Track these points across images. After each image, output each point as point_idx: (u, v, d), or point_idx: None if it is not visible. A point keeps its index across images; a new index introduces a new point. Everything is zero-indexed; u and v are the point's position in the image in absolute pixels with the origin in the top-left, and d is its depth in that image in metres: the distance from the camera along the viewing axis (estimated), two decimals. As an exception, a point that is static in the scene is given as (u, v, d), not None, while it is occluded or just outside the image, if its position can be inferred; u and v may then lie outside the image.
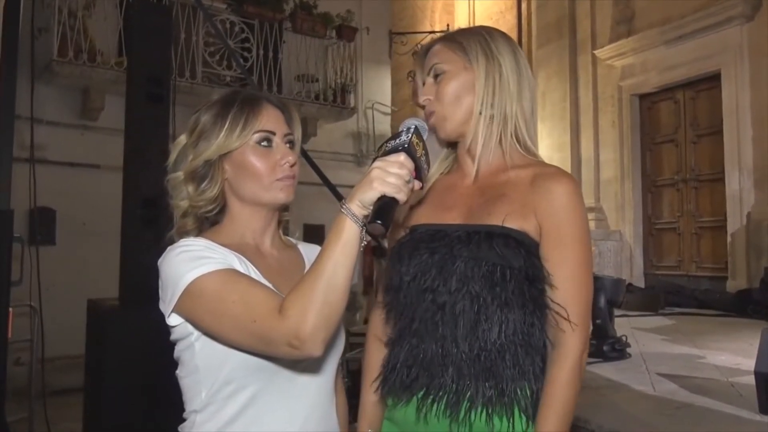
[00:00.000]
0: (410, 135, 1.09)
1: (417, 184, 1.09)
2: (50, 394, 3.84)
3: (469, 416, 1.19)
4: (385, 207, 1.03)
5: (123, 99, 3.47)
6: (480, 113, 1.31)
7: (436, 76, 1.34)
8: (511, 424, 1.19)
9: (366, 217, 1.03)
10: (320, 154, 7.71)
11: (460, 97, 1.31)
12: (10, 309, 2.90)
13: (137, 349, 2.94)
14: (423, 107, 1.35)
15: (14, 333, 4.68)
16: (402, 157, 1.06)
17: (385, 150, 1.09)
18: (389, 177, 1.03)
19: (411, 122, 1.15)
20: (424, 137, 1.14)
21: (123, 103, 3.44)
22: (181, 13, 7.06)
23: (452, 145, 1.41)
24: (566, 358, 1.20)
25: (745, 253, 7.25)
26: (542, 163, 1.33)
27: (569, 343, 1.21)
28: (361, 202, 1.03)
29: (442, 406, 1.21)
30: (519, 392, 1.20)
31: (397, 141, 1.09)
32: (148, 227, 3.16)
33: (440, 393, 1.22)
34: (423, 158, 1.10)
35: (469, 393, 1.20)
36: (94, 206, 6.35)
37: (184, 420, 1.21)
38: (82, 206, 6.63)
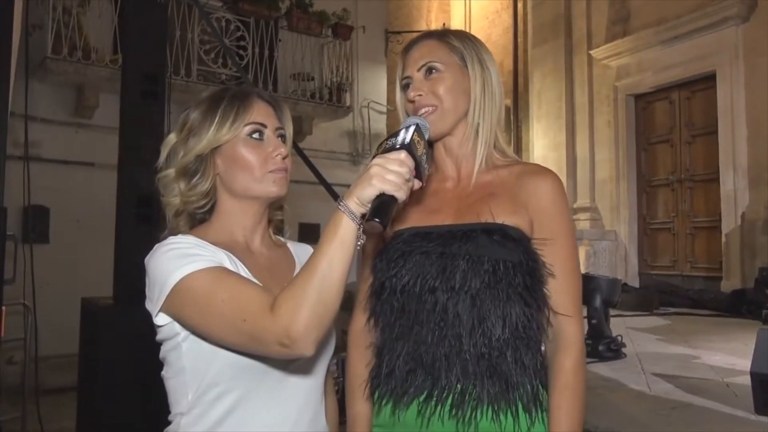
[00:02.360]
0: (411, 133, 1.08)
1: (417, 183, 1.07)
2: (43, 393, 3.83)
3: (475, 416, 1.19)
4: (383, 205, 1.01)
5: (118, 97, 3.46)
6: (472, 119, 1.34)
7: (429, 71, 1.33)
8: (516, 422, 1.20)
9: (364, 215, 1.01)
10: (315, 152, 7.69)
11: (455, 98, 1.32)
12: (3, 307, 2.88)
13: (131, 348, 2.91)
14: (412, 102, 1.33)
15: (7, 332, 4.65)
16: (402, 154, 1.04)
17: (385, 147, 1.07)
18: (389, 174, 1.01)
19: (412, 120, 1.13)
20: (426, 136, 1.13)
21: (118, 100, 3.42)
22: (176, 11, 7.02)
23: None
24: (571, 346, 1.24)
25: (740, 253, 7.27)
26: (522, 162, 1.40)
27: (571, 331, 1.25)
28: (359, 199, 1.01)
29: (447, 408, 1.21)
30: (521, 389, 1.21)
31: (398, 138, 1.07)
32: (143, 225, 3.14)
33: (444, 394, 1.21)
34: (424, 157, 1.08)
35: (474, 392, 1.20)
36: (88, 204, 6.33)
37: (169, 422, 1.19)
38: (76, 204, 6.60)
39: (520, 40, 10.90)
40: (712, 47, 7.70)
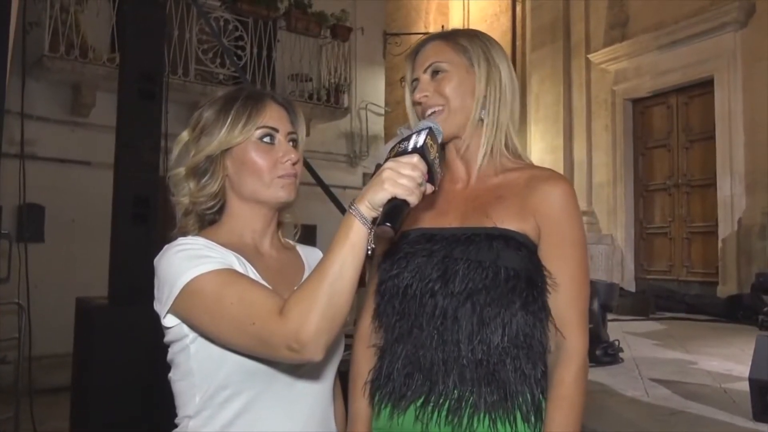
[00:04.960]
0: (424, 137, 1.06)
1: (429, 188, 1.05)
2: (37, 393, 3.79)
3: (472, 423, 1.17)
4: (395, 209, 0.99)
5: (114, 95, 3.43)
6: (479, 118, 1.31)
7: (434, 73, 1.31)
8: (514, 431, 1.18)
9: (375, 219, 1.00)
10: (313, 153, 7.68)
11: (462, 98, 1.30)
12: (-3, 306, 2.86)
13: (126, 348, 2.91)
14: (419, 104, 1.31)
15: (1, 331, 4.63)
16: (415, 158, 1.02)
17: (397, 150, 1.05)
18: (401, 178, 0.99)
19: (425, 123, 1.11)
20: (439, 139, 1.11)
21: (114, 99, 3.40)
22: (174, 10, 6.99)
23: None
24: (571, 359, 1.21)
25: (736, 258, 7.28)
26: (534, 166, 1.35)
27: (573, 344, 1.22)
28: (370, 203, 1.00)
29: (444, 414, 1.19)
30: (521, 398, 1.19)
31: (411, 142, 1.05)
32: (139, 225, 3.12)
33: (441, 400, 1.19)
34: (436, 161, 1.06)
35: (471, 399, 1.18)
36: (83, 203, 6.29)
37: (176, 425, 1.17)
38: (72, 203, 6.56)
39: (518, 43, 10.91)
40: (710, 52, 7.72)
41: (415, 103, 1.33)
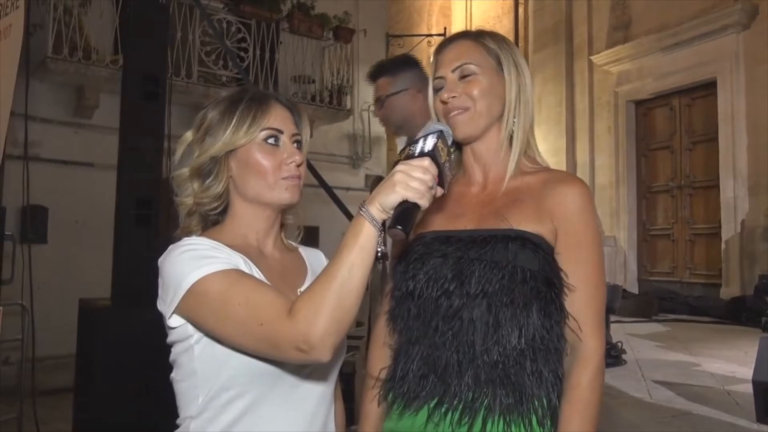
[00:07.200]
0: (436, 139, 1.06)
1: (439, 191, 1.05)
2: (40, 394, 3.80)
3: (486, 425, 1.16)
4: (406, 212, 1.00)
5: (118, 97, 3.43)
6: (506, 125, 1.32)
7: (464, 73, 1.30)
8: None
9: (384, 221, 1.00)
10: (315, 155, 7.68)
11: (489, 102, 1.30)
12: (0, 308, 2.86)
13: (129, 350, 2.91)
14: (445, 103, 1.30)
15: (4, 332, 4.62)
16: (426, 161, 1.02)
17: (408, 153, 1.05)
18: (412, 182, 1.00)
19: (436, 126, 1.11)
20: (449, 142, 1.11)
21: (118, 101, 3.40)
22: (177, 12, 7.00)
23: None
24: (588, 361, 1.20)
25: (739, 260, 7.27)
26: (550, 169, 1.36)
27: (590, 346, 1.21)
28: (381, 206, 1.00)
29: (456, 416, 1.18)
30: (536, 401, 1.18)
31: (422, 145, 1.06)
32: (142, 226, 3.12)
33: (455, 402, 1.19)
34: (447, 164, 1.07)
35: (486, 401, 1.17)
36: (87, 205, 6.30)
37: (177, 426, 1.17)
38: (75, 205, 6.58)
39: (521, 45, 10.89)
40: (712, 54, 7.72)
41: (441, 102, 1.31)
